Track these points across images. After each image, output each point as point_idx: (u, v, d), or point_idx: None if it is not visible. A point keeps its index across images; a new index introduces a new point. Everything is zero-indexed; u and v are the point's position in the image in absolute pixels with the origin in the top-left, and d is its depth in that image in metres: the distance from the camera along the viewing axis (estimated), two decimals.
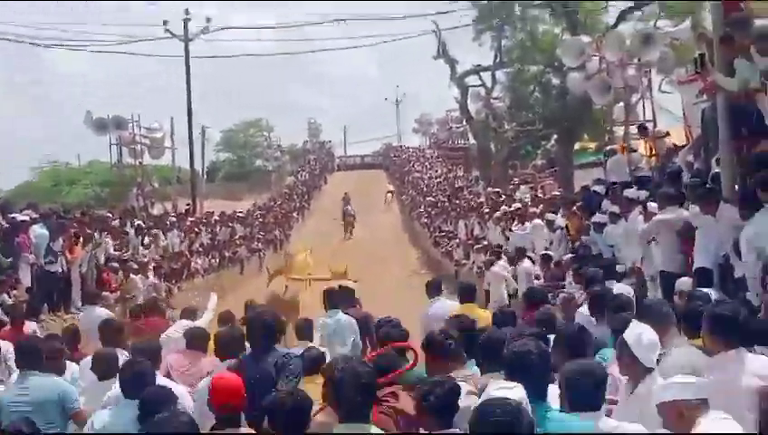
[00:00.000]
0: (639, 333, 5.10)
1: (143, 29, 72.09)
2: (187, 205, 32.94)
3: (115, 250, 18.93)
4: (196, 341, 8.37)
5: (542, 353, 4.43)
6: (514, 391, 3.98)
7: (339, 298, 10.38)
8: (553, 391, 4.64)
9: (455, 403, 4.55)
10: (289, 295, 13.33)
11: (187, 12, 37.09)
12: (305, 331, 9.36)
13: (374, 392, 4.57)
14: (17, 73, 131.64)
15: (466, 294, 10.27)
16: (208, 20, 37.61)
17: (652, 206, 11.52)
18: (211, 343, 8.03)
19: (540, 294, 9.95)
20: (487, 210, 23.90)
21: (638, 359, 5.03)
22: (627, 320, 5.73)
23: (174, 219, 26.18)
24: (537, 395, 4.29)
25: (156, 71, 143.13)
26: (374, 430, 4.40)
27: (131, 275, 18.31)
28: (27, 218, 15.66)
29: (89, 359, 7.46)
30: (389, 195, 50.06)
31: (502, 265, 16.90)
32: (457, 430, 4.42)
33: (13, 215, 15.69)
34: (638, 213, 12.18)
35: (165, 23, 36.20)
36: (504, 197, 24.00)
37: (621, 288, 10.05)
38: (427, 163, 54.01)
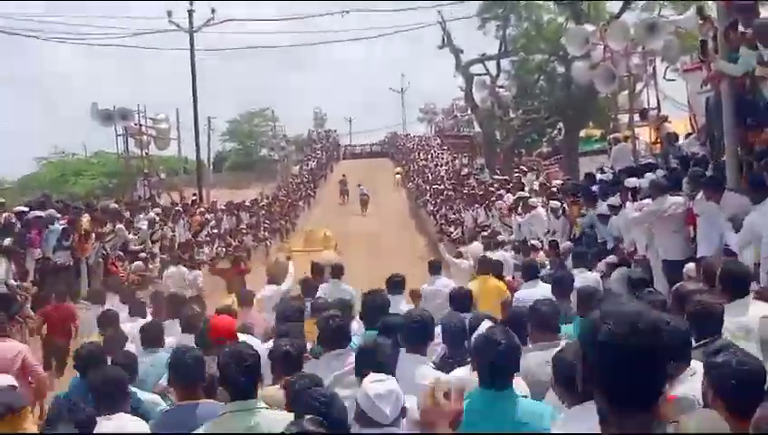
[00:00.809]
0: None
1: (148, 21, 71.98)
2: (194, 195, 33.03)
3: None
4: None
5: (509, 343, 4.57)
6: (387, 383, 4.30)
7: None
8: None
9: None
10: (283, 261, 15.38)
11: (191, 3, 37.12)
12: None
13: (258, 372, 4.81)
14: (23, 67, 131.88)
15: (483, 266, 12.10)
16: (213, 11, 37.65)
17: (642, 203, 11.54)
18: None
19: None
20: (493, 199, 24.00)
21: None
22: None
23: (180, 210, 26.27)
24: (502, 383, 4.51)
25: (161, 63, 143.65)
26: (261, 404, 4.70)
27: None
28: (42, 215, 15.83)
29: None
30: (398, 176, 52.59)
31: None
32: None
33: (22, 209, 15.90)
34: (631, 202, 12.27)
35: (169, 14, 36.27)
36: (511, 184, 24.08)
37: (586, 278, 10.16)
38: (432, 151, 54.04)
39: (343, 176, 50.53)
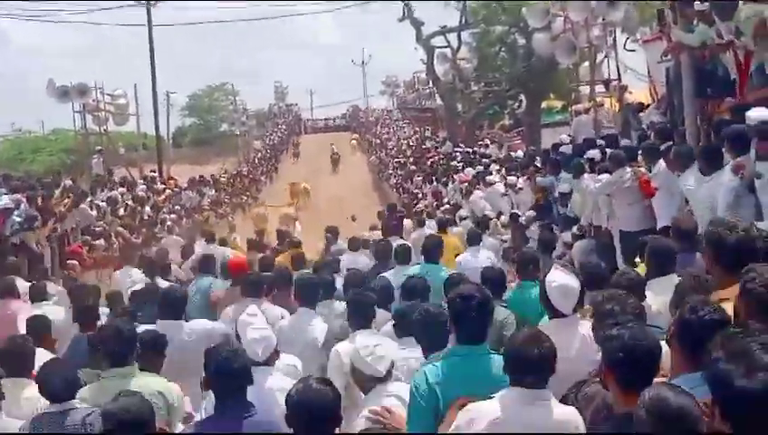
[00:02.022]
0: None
1: None
2: (152, 171, 32.69)
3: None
4: None
5: (483, 299, 4.67)
6: (263, 331, 5.42)
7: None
8: None
9: None
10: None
11: None
12: None
13: (134, 343, 5.50)
14: None
15: (442, 224, 14.41)
16: None
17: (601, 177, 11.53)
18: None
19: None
20: (452, 173, 24.11)
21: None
22: None
23: (144, 186, 26.02)
24: (476, 338, 4.62)
25: (119, 38, 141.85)
26: (136, 371, 5.36)
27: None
28: (12, 206, 15.56)
29: None
30: (354, 141, 57.37)
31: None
32: None
33: None
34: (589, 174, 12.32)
35: None
36: (474, 158, 24.14)
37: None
38: (394, 125, 53.98)
39: (297, 141, 59.09)
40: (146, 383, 5.13)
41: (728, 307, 4.00)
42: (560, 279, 5.16)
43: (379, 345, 5.01)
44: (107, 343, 5.44)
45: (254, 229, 20.83)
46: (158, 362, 5.73)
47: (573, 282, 5.15)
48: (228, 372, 4.54)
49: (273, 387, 5.20)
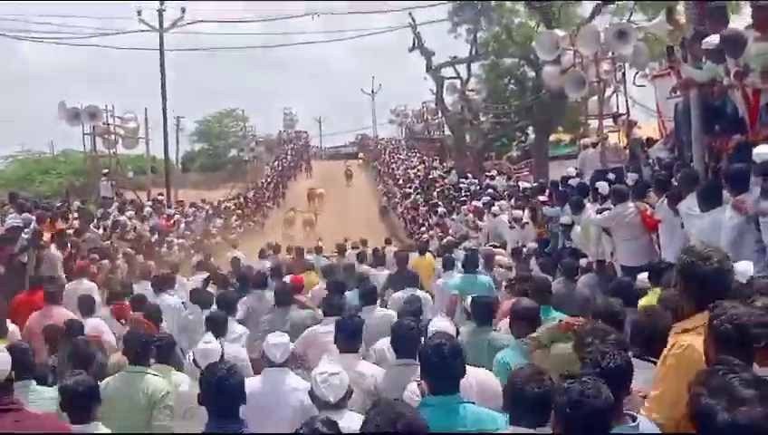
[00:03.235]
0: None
1: (118, 17, 71.63)
2: (159, 194, 32.70)
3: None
4: None
5: (453, 347, 4.71)
6: (282, 338, 6.18)
7: None
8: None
9: None
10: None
11: (161, 2, 36.65)
12: None
13: (148, 347, 6.54)
14: None
15: (422, 249, 17.25)
16: (183, 10, 37.13)
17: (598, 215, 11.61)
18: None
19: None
20: (456, 204, 24.11)
21: None
22: None
23: (151, 210, 26.01)
24: (449, 387, 4.61)
25: (130, 61, 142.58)
26: (150, 371, 6.39)
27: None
28: (21, 224, 15.60)
29: None
30: (360, 162, 61.69)
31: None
32: None
33: None
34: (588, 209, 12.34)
35: (139, 13, 35.78)
36: (481, 188, 24.12)
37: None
38: (401, 155, 54.01)
39: (308, 162, 63.35)
40: (138, 381, 6.26)
41: (690, 338, 4.11)
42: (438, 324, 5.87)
43: (336, 375, 5.01)
44: (126, 343, 6.68)
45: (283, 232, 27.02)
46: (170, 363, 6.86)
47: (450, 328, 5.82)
48: (223, 390, 4.76)
49: (291, 386, 5.88)
